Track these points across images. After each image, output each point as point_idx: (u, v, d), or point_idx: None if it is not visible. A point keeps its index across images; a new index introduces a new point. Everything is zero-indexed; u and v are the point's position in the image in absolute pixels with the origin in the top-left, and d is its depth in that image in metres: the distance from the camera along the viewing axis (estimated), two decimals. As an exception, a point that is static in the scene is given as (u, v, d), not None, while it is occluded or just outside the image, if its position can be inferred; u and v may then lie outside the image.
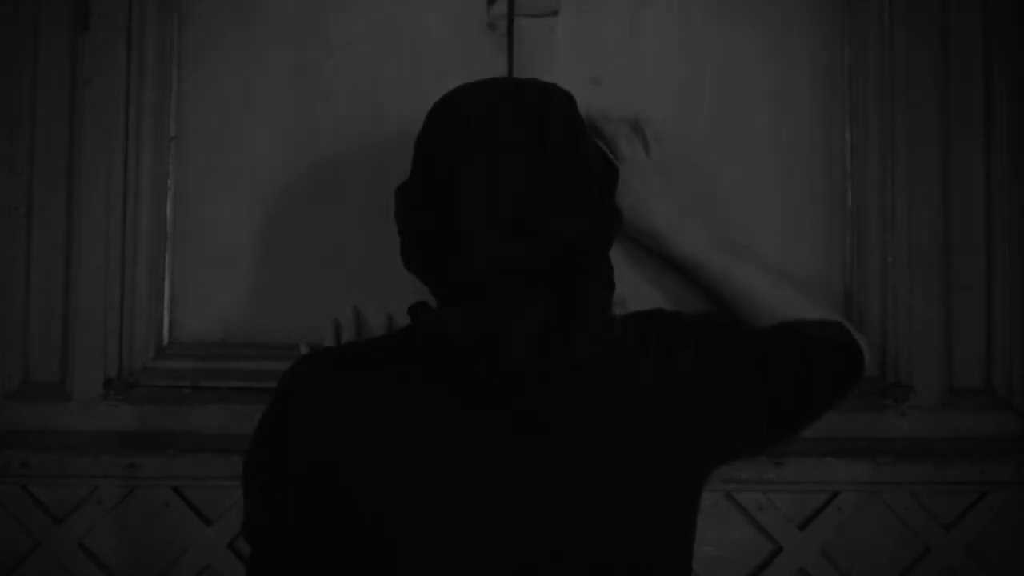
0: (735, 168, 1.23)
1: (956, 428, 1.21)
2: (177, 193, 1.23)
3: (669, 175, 1.08)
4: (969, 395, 1.23)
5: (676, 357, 0.86)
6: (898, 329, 1.22)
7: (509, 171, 0.79)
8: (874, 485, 1.17)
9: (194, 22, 1.23)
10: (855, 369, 1.01)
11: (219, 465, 1.15)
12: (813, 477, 1.16)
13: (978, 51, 1.24)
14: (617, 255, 1.01)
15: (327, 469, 0.81)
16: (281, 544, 0.85)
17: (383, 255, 1.19)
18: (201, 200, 1.23)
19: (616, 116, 1.11)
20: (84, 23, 1.22)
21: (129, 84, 1.22)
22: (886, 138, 1.23)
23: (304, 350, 1.14)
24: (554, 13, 1.22)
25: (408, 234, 0.87)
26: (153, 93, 1.22)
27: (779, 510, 1.17)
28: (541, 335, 0.78)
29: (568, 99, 0.87)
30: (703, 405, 0.86)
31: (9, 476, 1.16)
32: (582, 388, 0.82)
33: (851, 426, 1.20)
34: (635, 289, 1.16)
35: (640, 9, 1.24)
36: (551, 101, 0.85)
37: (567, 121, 0.84)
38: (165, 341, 1.22)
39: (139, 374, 1.21)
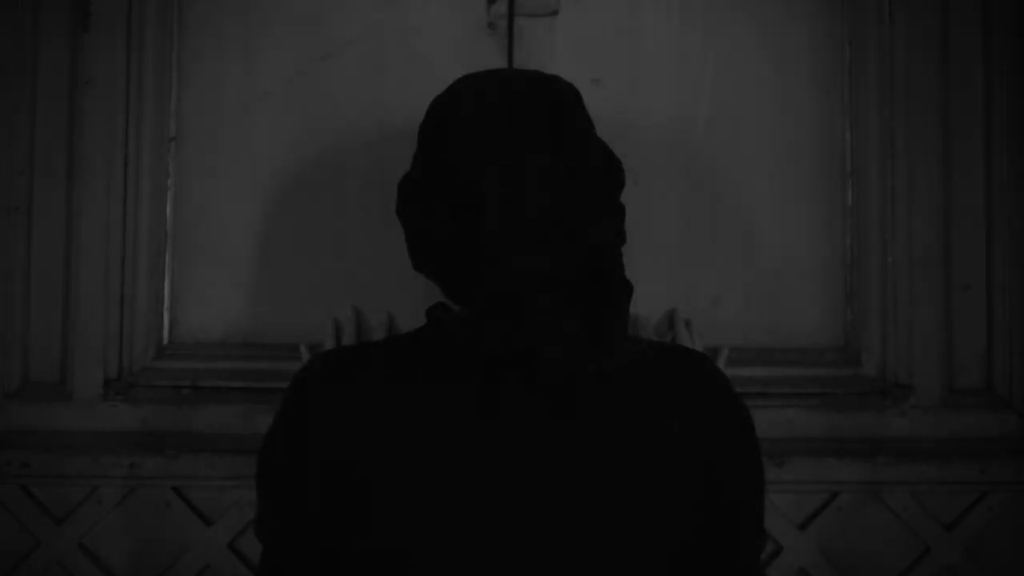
0: (735, 168, 1.23)
1: (956, 428, 1.21)
2: (177, 193, 1.23)
3: None
4: (969, 395, 1.23)
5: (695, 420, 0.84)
6: (898, 329, 1.22)
7: (532, 175, 0.78)
8: (874, 485, 1.17)
9: (194, 22, 1.24)
10: None
11: (219, 465, 1.15)
12: (813, 477, 1.16)
13: (978, 51, 1.24)
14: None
15: (342, 468, 0.80)
16: (294, 543, 0.84)
17: (383, 255, 1.19)
18: (201, 200, 1.23)
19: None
20: (84, 23, 1.22)
21: (129, 84, 1.22)
22: (886, 138, 1.23)
23: (304, 350, 1.14)
24: (554, 13, 1.22)
25: (420, 235, 0.85)
26: (153, 93, 1.22)
27: (779, 510, 1.17)
28: (577, 348, 0.77)
29: (576, 94, 0.86)
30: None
31: (9, 476, 1.15)
32: (607, 397, 0.82)
33: (851, 426, 1.21)
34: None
35: (640, 9, 1.24)
36: (563, 96, 0.84)
37: (579, 117, 0.84)
38: (165, 341, 1.22)
39: (139, 374, 1.21)
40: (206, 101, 1.23)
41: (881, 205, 1.23)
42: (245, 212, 1.23)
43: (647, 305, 1.14)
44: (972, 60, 1.24)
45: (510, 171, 0.78)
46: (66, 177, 1.21)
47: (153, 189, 1.22)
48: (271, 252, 1.22)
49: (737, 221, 1.23)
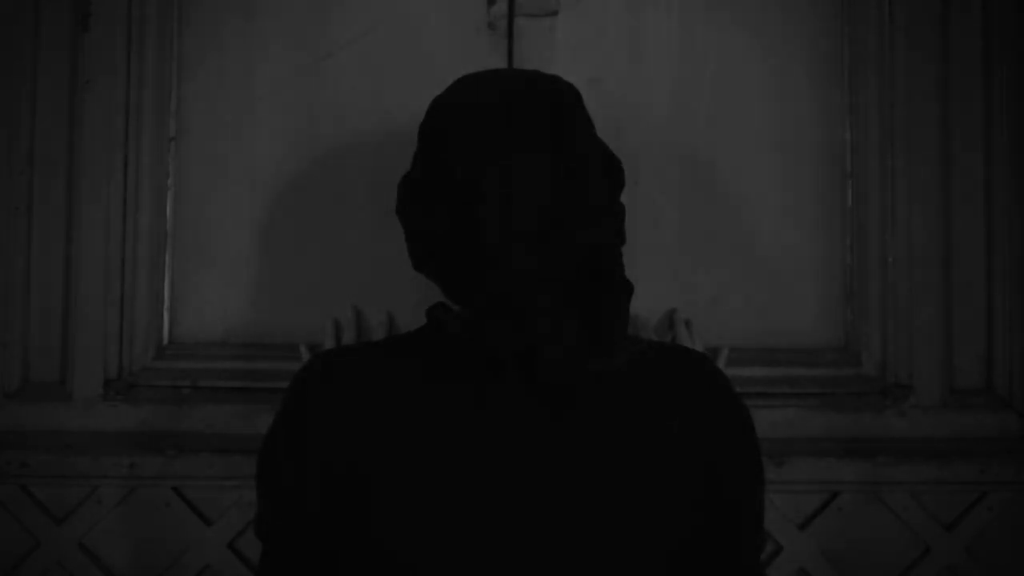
0: (735, 168, 1.23)
1: (956, 428, 1.21)
2: (177, 193, 1.23)
3: None
4: (969, 395, 1.23)
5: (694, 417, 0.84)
6: (898, 329, 1.22)
7: (532, 175, 0.78)
8: (874, 485, 1.17)
9: (194, 22, 1.24)
10: None
11: (219, 465, 1.15)
12: (813, 477, 1.16)
13: (978, 51, 1.24)
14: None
15: (343, 468, 0.80)
16: (294, 543, 0.84)
17: (383, 255, 1.19)
18: (201, 200, 1.23)
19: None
20: (84, 23, 1.22)
21: (129, 84, 1.22)
22: (886, 138, 1.23)
23: (304, 350, 1.14)
24: (554, 13, 1.22)
25: (420, 235, 0.85)
26: (153, 93, 1.22)
27: (779, 510, 1.17)
28: (578, 348, 0.77)
29: (576, 94, 0.86)
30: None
31: (9, 476, 1.15)
32: (607, 397, 0.82)
33: (851, 426, 1.21)
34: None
35: (640, 9, 1.24)
36: (563, 96, 0.84)
37: (579, 117, 0.84)
38: (165, 341, 1.22)
39: (139, 374, 1.21)
40: (206, 101, 1.23)
41: (881, 205, 1.23)
42: (245, 212, 1.23)
43: (647, 305, 1.14)
44: (972, 60, 1.24)
45: (510, 171, 0.78)
46: (66, 178, 1.21)
47: (153, 189, 1.22)
48: (271, 252, 1.22)
49: (737, 221, 1.23)
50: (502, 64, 1.21)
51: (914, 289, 1.22)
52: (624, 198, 0.88)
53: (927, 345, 1.22)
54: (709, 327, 1.19)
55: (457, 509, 0.79)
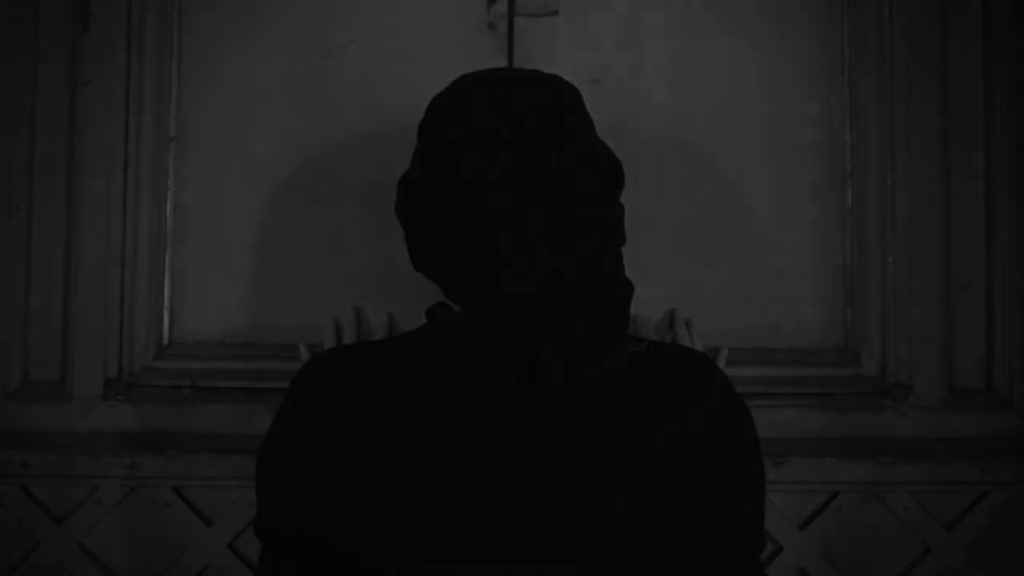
0: (735, 168, 1.23)
1: (956, 428, 1.21)
2: (177, 193, 1.23)
3: None
4: (969, 395, 1.23)
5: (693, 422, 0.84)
6: (898, 329, 1.22)
7: (532, 173, 0.79)
8: (874, 485, 1.17)
9: (194, 22, 1.24)
10: None
11: (219, 465, 1.15)
12: (813, 477, 1.16)
13: (978, 51, 1.24)
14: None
15: (342, 468, 0.81)
16: (293, 543, 0.84)
17: (383, 255, 1.19)
18: (201, 200, 1.23)
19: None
20: (84, 23, 1.22)
21: (129, 84, 1.22)
22: (886, 138, 1.23)
23: (303, 350, 1.14)
24: (554, 13, 1.22)
25: (420, 235, 0.85)
26: (153, 93, 1.22)
27: (779, 510, 1.17)
28: (578, 348, 0.77)
29: (576, 94, 0.86)
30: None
31: (9, 476, 1.16)
32: (608, 398, 0.82)
33: (851, 426, 1.21)
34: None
35: (640, 9, 1.24)
36: (563, 96, 0.84)
37: (579, 117, 0.84)
38: (165, 341, 1.22)
39: (139, 374, 1.21)
40: (206, 101, 1.23)
41: (881, 205, 1.23)
42: (245, 212, 1.23)
43: (647, 305, 1.14)
44: (972, 60, 1.24)
45: (510, 171, 0.78)
46: (66, 177, 1.21)
47: (153, 189, 1.22)
48: (271, 252, 1.22)
49: (737, 221, 1.23)
50: (502, 64, 1.21)
51: (914, 289, 1.22)
52: (624, 198, 0.88)
53: (927, 345, 1.22)
54: (709, 327, 1.19)
55: (457, 509, 0.79)
